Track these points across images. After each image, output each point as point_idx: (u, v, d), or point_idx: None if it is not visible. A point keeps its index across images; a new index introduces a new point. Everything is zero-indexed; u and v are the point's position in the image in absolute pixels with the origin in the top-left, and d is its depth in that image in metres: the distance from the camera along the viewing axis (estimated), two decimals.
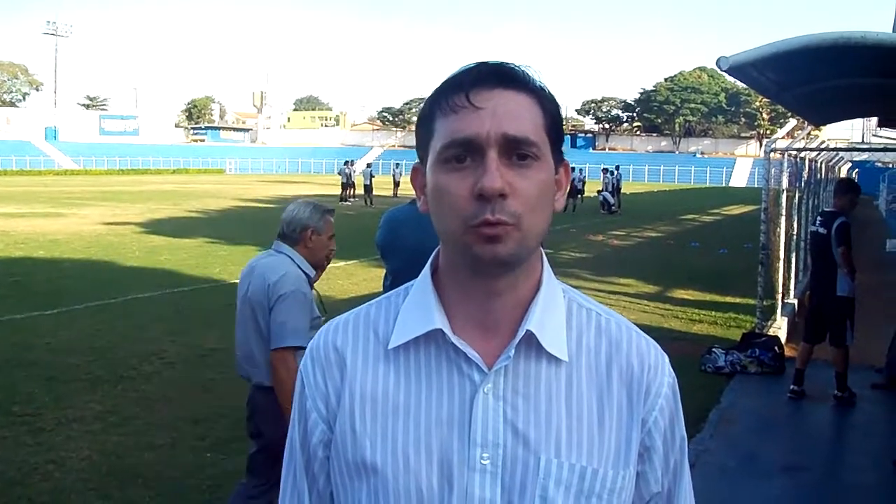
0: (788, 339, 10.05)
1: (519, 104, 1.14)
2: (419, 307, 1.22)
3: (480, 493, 1.15)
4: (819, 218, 8.32)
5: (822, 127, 19.43)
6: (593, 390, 1.20)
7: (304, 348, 3.90)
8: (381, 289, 5.38)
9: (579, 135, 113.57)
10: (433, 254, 1.28)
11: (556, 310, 1.22)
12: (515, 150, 1.12)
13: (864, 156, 42.59)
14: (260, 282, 4.03)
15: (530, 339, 1.17)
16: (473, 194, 1.10)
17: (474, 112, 1.12)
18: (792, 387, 8.01)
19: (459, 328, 1.19)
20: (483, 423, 1.16)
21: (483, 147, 1.11)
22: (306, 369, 1.29)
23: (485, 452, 1.15)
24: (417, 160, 1.24)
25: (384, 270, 5.35)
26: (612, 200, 36.58)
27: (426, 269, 1.26)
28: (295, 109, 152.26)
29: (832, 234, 7.83)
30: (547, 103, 1.17)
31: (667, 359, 1.26)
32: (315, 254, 4.24)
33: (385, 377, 1.22)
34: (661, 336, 8.58)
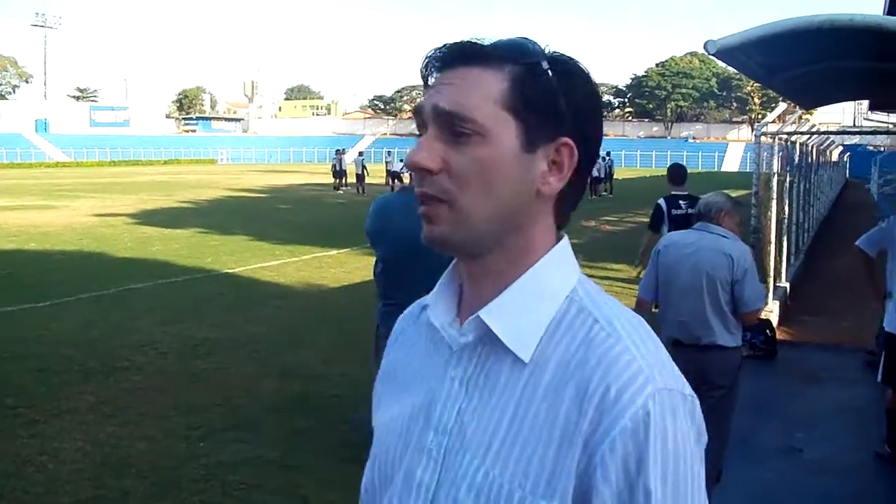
0: (780, 323, 10.09)
1: (469, 79, 1.08)
2: (438, 285, 1.21)
3: (420, 475, 1.12)
4: None
5: (813, 111, 19.44)
6: (544, 402, 1.04)
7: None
8: (372, 276, 5.39)
9: None
10: None
11: (537, 304, 1.09)
12: (450, 126, 1.07)
13: (856, 139, 42.70)
14: (718, 257, 4.76)
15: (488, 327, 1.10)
16: None
17: (429, 88, 1.11)
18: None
19: (464, 311, 1.15)
20: (442, 407, 1.13)
21: (426, 122, 1.09)
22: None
23: (435, 437, 1.12)
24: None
25: (375, 258, 5.37)
26: (594, 174, 36.86)
27: None
28: (286, 99, 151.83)
29: None
30: (520, 76, 1.08)
31: (652, 388, 0.99)
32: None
33: (403, 351, 1.25)
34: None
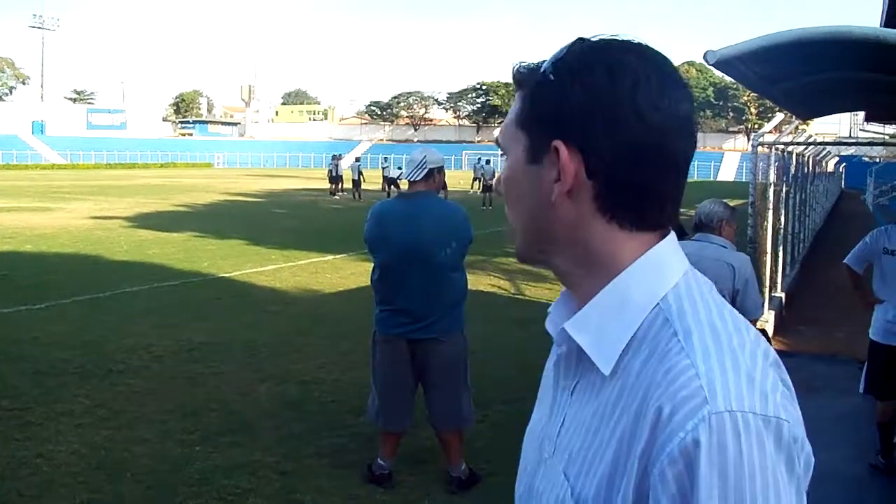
0: (775, 333, 10.11)
1: (512, 104, 1.14)
2: (561, 293, 1.21)
3: (538, 483, 1.13)
4: None
5: (809, 121, 19.50)
6: (620, 418, 0.99)
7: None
8: (369, 282, 5.40)
9: None
10: None
11: (619, 316, 1.04)
12: None
13: (851, 150, 42.79)
14: (721, 268, 4.81)
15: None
16: None
17: None
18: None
19: None
20: (555, 416, 1.13)
21: None
22: None
23: (549, 445, 1.13)
24: None
25: (372, 264, 5.38)
26: None
27: None
28: (283, 103, 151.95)
29: None
30: (531, 90, 1.09)
31: (708, 411, 0.89)
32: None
33: (551, 359, 1.24)
34: None
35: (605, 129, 1.03)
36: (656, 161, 1.05)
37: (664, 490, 0.90)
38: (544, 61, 1.09)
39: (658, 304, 1.03)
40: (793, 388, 0.99)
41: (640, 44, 1.07)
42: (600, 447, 1.00)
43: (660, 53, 1.07)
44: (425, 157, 5.17)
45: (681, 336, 0.98)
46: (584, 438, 1.04)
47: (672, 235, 1.10)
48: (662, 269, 1.06)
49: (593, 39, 1.08)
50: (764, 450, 0.89)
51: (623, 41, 1.07)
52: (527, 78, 1.10)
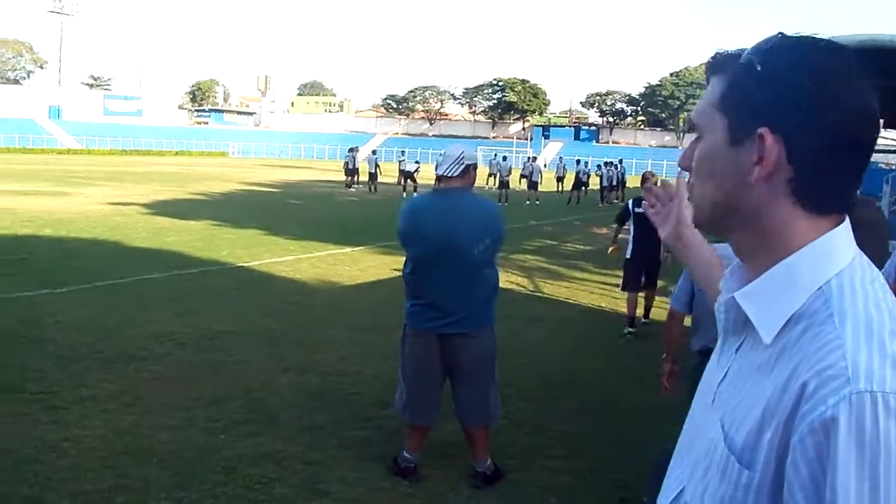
0: None
1: (709, 87, 1.23)
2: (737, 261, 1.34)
3: (706, 429, 1.22)
4: None
5: None
6: (771, 383, 1.09)
7: None
8: (401, 275, 5.41)
9: (583, 127, 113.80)
10: None
11: (785, 293, 1.14)
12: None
13: None
14: None
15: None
16: None
17: None
18: None
19: None
20: (720, 369, 1.26)
21: None
22: None
23: (711, 395, 1.26)
24: None
25: (395, 257, 5.39)
26: (604, 183, 37.51)
27: None
28: (299, 94, 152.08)
29: None
30: (733, 76, 1.18)
31: (850, 390, 0.98)
32: None
33: (719, 320, 1.35)
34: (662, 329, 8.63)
35: (807, 119, 1.13)
36: (848, 148, 1.15)
37: (803, 455, 1.00)
38: (744, 50, 1.19)
39: (822, 287, 1.13)
40: None
41: (832, 42, 1.16)
42: (753, 405, 1.12)
43: (848, 49, 1.16)
44: (463, 153, 5.17)
45: (836, 318, 1.07)
46: (741, 394, 1.16)
47: (846, 223, 1.18)
48: (832, 254, 1.15)
49: (795, 36, 1.17)
50: None
51: (819, 40, 1.16)
52: (725, 64, 1.20)
